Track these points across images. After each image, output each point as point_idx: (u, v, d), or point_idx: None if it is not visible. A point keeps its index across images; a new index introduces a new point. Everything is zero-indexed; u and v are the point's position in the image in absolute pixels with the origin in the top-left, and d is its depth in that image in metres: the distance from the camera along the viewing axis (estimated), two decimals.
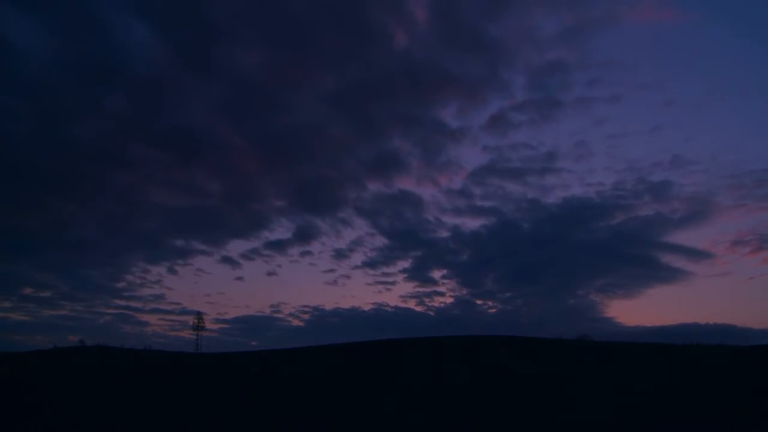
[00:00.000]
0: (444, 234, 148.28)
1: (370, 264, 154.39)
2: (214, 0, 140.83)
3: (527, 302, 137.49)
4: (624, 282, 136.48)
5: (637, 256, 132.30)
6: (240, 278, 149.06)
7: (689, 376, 23.32)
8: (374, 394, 21.89)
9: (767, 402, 17.78)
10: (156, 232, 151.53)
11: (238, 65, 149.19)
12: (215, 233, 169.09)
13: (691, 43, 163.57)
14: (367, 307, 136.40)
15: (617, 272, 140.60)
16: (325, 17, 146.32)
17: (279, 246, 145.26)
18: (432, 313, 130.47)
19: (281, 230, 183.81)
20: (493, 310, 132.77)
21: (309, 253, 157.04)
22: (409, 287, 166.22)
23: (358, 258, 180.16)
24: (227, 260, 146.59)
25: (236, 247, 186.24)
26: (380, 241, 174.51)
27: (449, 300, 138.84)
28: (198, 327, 78.31)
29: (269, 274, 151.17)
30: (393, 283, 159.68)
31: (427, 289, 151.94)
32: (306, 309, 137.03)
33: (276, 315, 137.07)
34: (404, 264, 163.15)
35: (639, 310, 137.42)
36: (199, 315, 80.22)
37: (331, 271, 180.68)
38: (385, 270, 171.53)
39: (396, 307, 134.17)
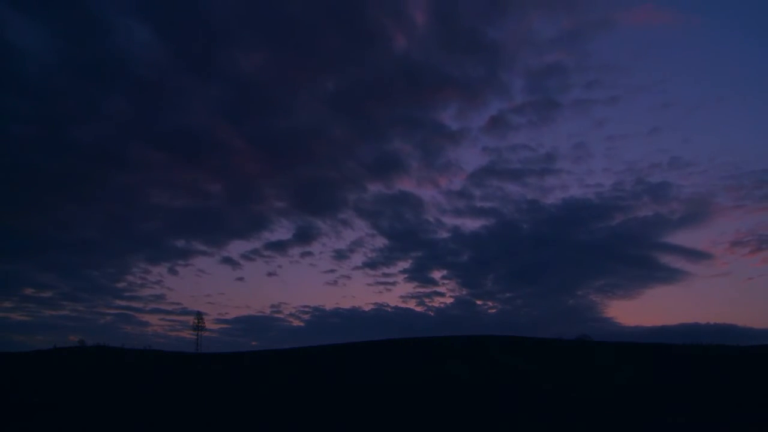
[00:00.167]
0: (444, 235, 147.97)
1: (371, 264, 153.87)
2: (215, 2, 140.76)
3: (527, 302, 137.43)
4: (623, 282, 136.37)
5: (637, 257, 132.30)
6: (241, 279, 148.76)
7: (689, 376, 23.33)
8: (374, 394, 21.90)
9: (767, 402, 17.80)
10: (157, 232, 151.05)
11: (238, 67, 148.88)
12: (216, 234, 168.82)
13: (689, 46, 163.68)
14: (367, 308, 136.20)
15: (617, 273, 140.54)
16: (325, 20, 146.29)
17: (279, 247, 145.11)
18: (432, 314, 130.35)
19: (282, 231, 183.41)
20: (493, 311, 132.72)
21: (309, 253, 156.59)
22: (409, 288, 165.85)
23: (358, 258, 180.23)
24: (228, 261, 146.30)
25: (237, 247, 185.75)
26: (380, 241, 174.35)
27: (449, 300, 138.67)
28: (198, 327, 78.15)
29: (270, 274, 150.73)
30: (393, 283, 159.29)
31: (427, 290, 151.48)
32: (306, 309, 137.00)
33: (276, 315, 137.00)
34: (404, 264, 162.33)
35: (638, 310, 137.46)
36: (199, 315, 79.94)
37: (332, 271, 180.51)
38: (386, 270, 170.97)
39: (396, 308, 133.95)
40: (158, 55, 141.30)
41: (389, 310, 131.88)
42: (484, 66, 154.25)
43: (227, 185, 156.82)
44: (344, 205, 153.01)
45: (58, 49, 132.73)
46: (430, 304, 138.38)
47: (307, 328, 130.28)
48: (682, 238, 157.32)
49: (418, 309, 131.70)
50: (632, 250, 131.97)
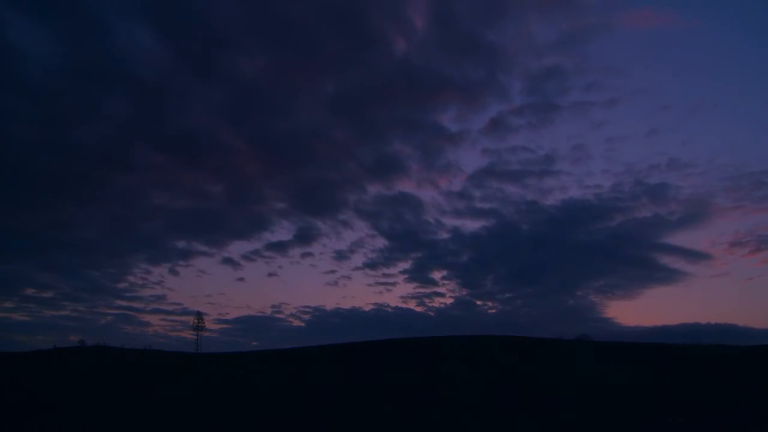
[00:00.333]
0: (444, 235, 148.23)
1: (371, 265, 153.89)
2: (217, 5, 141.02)
3: (527, 303, 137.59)
4: (623, 283, 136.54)
5: (636, 258, 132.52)
6: (241, 279, 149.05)
7: (689, 376, 23.33)
8: (374, 394, 21.90)
9: (767, 402, 17.80)
10: (158, 233, 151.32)
11: (239, 68, 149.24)
12: (217, 234, 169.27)
13: (687, 48, 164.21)
14: (367, 308, 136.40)
15: (616, 273, 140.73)
16: (326, 23, 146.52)
17: (280, 247, 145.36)
18: (432, 314, 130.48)
19: (282, 232, 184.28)
20: (493, 311, 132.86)
21: (310, 254, 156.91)
22: (409, 288, 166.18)
23: (358, 259, 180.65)
24: (228, 261, 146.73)
25: (237, 248, 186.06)
26: (380, 242, 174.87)
27: (449, 301, 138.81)
28: (198, 327, 78.16)
29: (270, 275, 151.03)
30: (393, 284, 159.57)
31: (428, 290, 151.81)
32: (307, 309, 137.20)
33: (277, 315, 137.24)
34: (404, 265, 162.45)
35: (638, 310, 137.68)
36: (199, 315, 79.98)
37: (332, 272, 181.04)
38: (386, 271, 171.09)
39: (396, 308, 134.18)
40: (159, 57, 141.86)
41: (389, 310, 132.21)
42: (483, 68, 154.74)
43: (228, 186, 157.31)
44: (344, 206, 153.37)
45: (59, 50, 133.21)
46: (430, 305, 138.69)
47: (307, 329, 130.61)
48: (681, 238, 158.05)
49: (418, 309, 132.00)
50: (632, 250, 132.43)
